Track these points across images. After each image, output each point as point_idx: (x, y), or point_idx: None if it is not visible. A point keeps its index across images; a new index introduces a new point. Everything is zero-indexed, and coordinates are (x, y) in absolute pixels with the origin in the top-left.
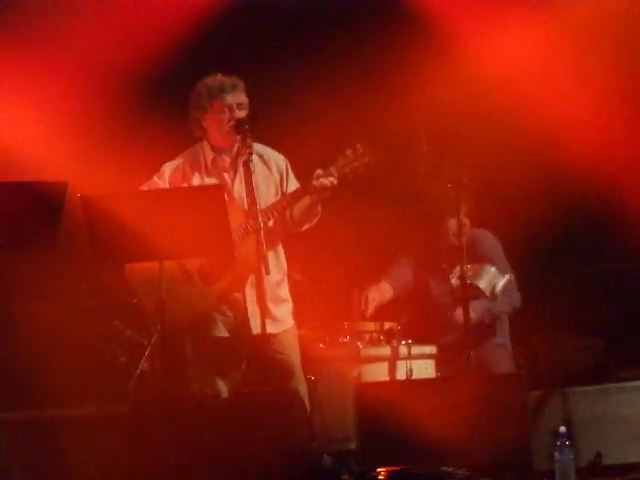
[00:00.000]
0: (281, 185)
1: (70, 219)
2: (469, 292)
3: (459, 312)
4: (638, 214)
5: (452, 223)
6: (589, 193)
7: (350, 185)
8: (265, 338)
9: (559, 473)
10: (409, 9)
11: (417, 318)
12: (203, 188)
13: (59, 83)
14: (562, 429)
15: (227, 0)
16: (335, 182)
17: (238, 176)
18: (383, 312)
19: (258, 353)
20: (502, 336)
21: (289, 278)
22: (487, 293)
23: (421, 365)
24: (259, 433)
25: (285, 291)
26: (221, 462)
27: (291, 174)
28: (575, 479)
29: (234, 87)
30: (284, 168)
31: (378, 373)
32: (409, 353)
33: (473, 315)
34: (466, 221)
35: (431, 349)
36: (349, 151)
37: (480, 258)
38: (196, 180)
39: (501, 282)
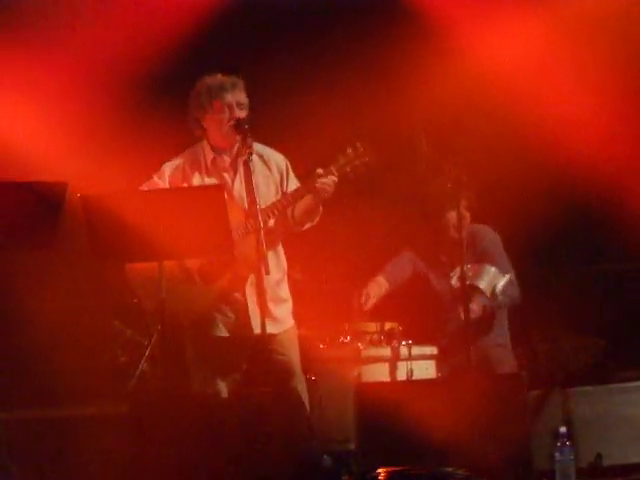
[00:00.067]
0: (281, 185)
1: (70, 219)
2: (469, 292)
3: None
4: (638, 214)
5: (452, 216)
6: (589, 192)
7: (350, 184)
8: (265, 338)
9: (559, 473)
10: (408, 7)
11: (418, 314)
12: (203, 188)
13: (60, 82)
14: (562, 429)
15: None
16: (335, 181)
17: (238, 176)
18: (383, 309)
19: (258, 353)
20: (501, 334)
21: (289, 277)
22: (487, 294)
23: (422, 366)
24: (259, 433)
25: (285, 291)
26: (221, 462)
27: (291, 173)
28: (575, 479)
29: (234, 86)
30: (284, 168)
31: (378, 374)
32: (410, 354)
33: (475, 307)
34: (466, 214)
35: (432, 350)
36: (349, 150)
37: (480, 253)
38: (196, 180)
39: (501, 282)
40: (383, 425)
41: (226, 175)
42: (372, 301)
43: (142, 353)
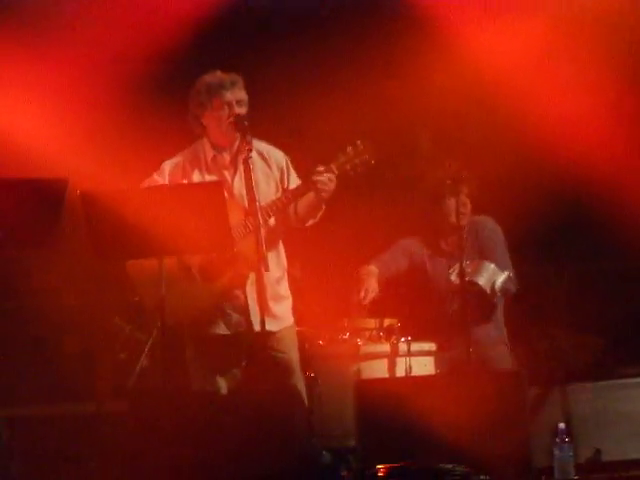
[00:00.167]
0: (281, 182)
1: (70, 216)
2: (468, 289)
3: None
4: (637, 212)
5: (452, 202)
6: (589, 190)
7: (350, 181)
8: (265, 336)
9: (558, 469)
10: (408, 4)
11: (417, 311)
12: (202, 185)
13: (61, 81)
14: (561, 426)
15: None
16: (334, 179)
17: (238, 173)
18: (382, 306)
19: (258, 351)
20: (498, 329)
21: (288, 275)
22: (487, 290)
23: (420, 362)
24: (258, 430)
25: (285, 288)
26: (221, 459)
27: (292, 170)
28: (574, 475)
29: (233, 84)
30: (284, 164)
31: (377, 370)
32: (408, 350)
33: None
34: (467, 201)
35: (430, 346)
36: (350, 148)
37: (481, 244)
38: (196, 177)
39: (500, 279)
40: (382, 421)
41: (226, 173)
42: (371, 295)
43: (142, 350)
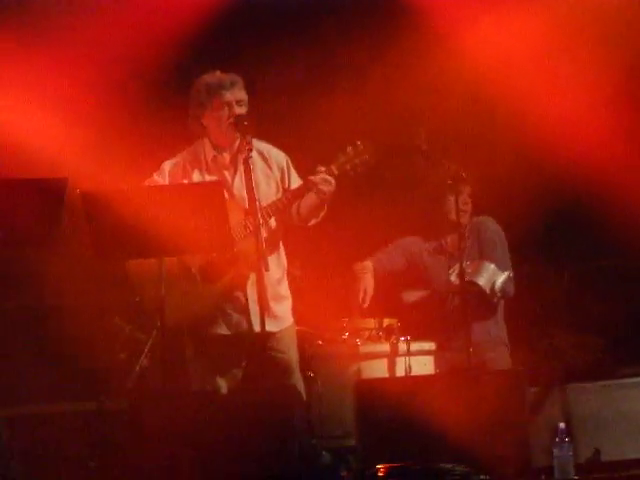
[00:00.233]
0: (282, 182)
1: (70, 215)
2: (468, 289)
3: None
4: (636, 211)
5: (453, 200)
6: (588, 189)
7: (350, 181)
8: (265, 336)
9: (558, 469)
10: (406, 4)
11: (416, 310)
12: (202, 184)
13: (62, 81)
14: (561, 425)
15: None
16: (333, 180)
17: (238, 174)
18: (381, 306)
19: (258, 351)
20: (499, 328)
21: (288, 274)
22: (487, 290)
23: (420, 361)
24: (258, 430)
25: (285, 288)
26: (220, 459)
27: (292, 170)
28: (574, 475)
29: (233, 84)
30: (285, 164)
31: (377, 370)
32: (408, 349)
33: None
34: (468, 200)
35: (430, 345)
36: (350, 148)
37: (482, 244)
38: (196, 177)
39: (500, 279)
40: (382, 421)
41: (226, 173)
42: (370, 295)
43: (142, 350)
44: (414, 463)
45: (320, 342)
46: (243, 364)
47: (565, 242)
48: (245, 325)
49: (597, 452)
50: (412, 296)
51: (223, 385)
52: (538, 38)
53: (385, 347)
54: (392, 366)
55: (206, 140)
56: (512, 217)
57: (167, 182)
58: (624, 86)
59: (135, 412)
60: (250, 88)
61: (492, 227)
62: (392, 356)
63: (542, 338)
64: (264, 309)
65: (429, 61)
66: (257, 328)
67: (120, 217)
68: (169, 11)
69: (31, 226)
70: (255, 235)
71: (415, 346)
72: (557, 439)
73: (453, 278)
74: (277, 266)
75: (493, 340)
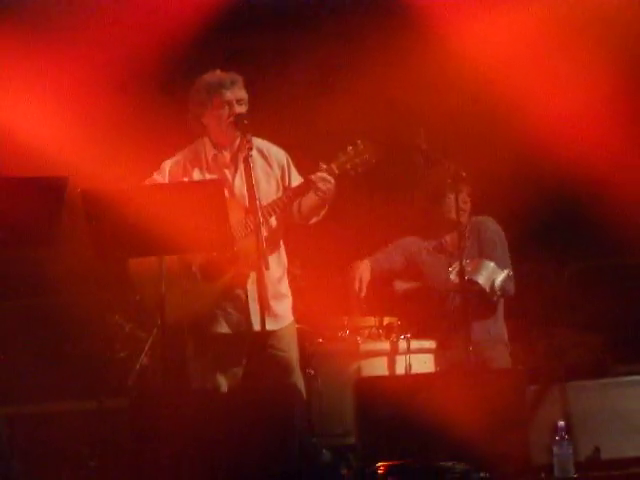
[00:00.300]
0: (282, 180)
1: (71, 214)
2: (468, 287)
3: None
4: (635, 210)
5: (452, 199)
6: (588, 189)
7: (351, 180)
8: (265, 335)
9: (558, 467)
10: (405, 5)
11: (417, 308)
12: (202, 182)
13: (62, 79)
14: (561, 423)
15: None
16: (332, 180)
17: (239, 172)
18: (381, 304)
19: (258, 350)
20: (499, 327)
21: (288, 272)
22: (487, 289)
23: (420, 359)
24: (258, 428)
25: (285, 287)
26: (220, 456)
27: (293, 168)
28: (574, 473)
29: (233, 83)
30: (285, 162)
31: (377, 368)
32: (408, 348)
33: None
34: (467, 199)
35: (430, 343)
36: (350, 148)
37: (482, 244)
38: (196, 176)
39: (500, 277)
40: (382, 419)
41: (227, 172)
42: (365, 283)
43: (142, 348)
44: (414, 461)
45: (320, 340)
46: (243, 362)
47: (565, 241)
48: (245, 324)
49: (597, 450)
50: (403, 286)
51: (223, 383)
52: (538, 37)
53: (385, 345)
54: (392, 364)
55: (206, 139)
56: (512, 216)
57: (167, 181)
58: (623, 85)
59: (135, 411)
60: (250, 87)
61: (492, 227)
62: (392, 354)
63: (542, 337)
64: (264, 308)
65: (429, 60)
66: (257, 327)
67: (120, 216)
68: (169, 11)
69: (31, 225)
70: (255, 234)
71: (415, 344)
72: (557, 437)
73: (453, 276)
74: (278, 265)
75: (493, 339)
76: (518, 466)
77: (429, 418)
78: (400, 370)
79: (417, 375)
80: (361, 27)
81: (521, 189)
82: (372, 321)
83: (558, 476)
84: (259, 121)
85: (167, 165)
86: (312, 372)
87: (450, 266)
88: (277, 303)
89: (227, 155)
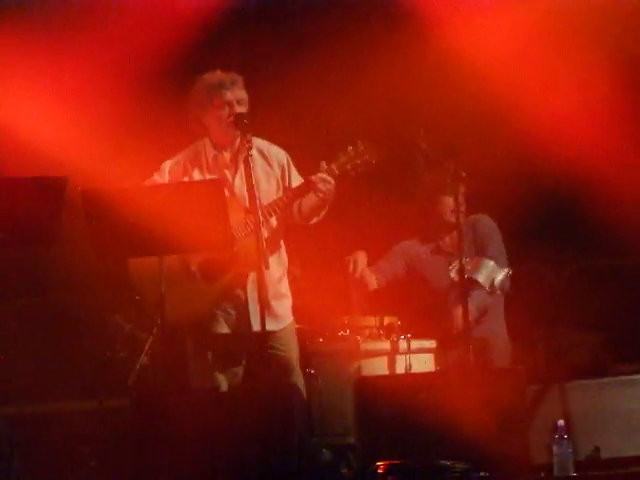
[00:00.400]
0: (282, 180)
1: (72, 214)
2: (468, 286)
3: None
4: (634, 209)
5: (448, 200)
6: (587, 188)
7: (351, 180)
8: (265, 335)
9: (557, 466)
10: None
11: (417, 308)
12: (202, 182)
13: (64, 79)
14: (560, 423)
15: None
16: (332, 181)
17: (239, 172)
18: (380, 305)
19: (258, 350)
20: (499, 326)
21: (288, 272)
22: (486, 287)
23: (420, 359)
24: (258, 427)
25: (286, 287)
26: (221, 456)
27: (293, 168)
28: (573, 472)
29: (233, 83)
30: (285, 162)
31: (378, 367)
32: (408, 347)
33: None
34: (463, 201)
35: (430, 343)
36: (350, 148)
37: (478, 241)
38: (197, 177)
39: (500, 276)
40: (382, 418)
41: (227, 172)
42: (360, 265)
43: (142, 348)
44: (414, 461)
45: (321, 339)
46: (243, 363)
47: (564, 241)
48: (245, 324)
49: (596, 449)
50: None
51: (223, 383)
52: (535, 36)
53: (386, 345)
54: (392, 364)
55: (207, 139)
56: (512, 216)
57: (167, 181)
58: (620, 84)
59: (136, 411)
60: (250, 87)
61: (488, 224)
62: (392, 354)
63: (542, 337)
64: (264, 308)
65: (428, 60)
66: (257, 327)
67: (120, 216)
68: (170, 11)
69: (31, 225)
70: (256, 234)
71: (415, 344)
72: (556, 436)
73: (453, 274)
74: (278, 265)
75: (493, 337)
76: (518, 465)
77: (429, 418)
78: (400, 370)
79: (417, 375)
80: (361, 27)
81: (521, 189)
82: (372, 321)
83: (558, 475)
84: (259, 121)
85: (167, 165)
86: (312, 372)
87: (450, 264)
88: (277, 303)
89: (227, 155)
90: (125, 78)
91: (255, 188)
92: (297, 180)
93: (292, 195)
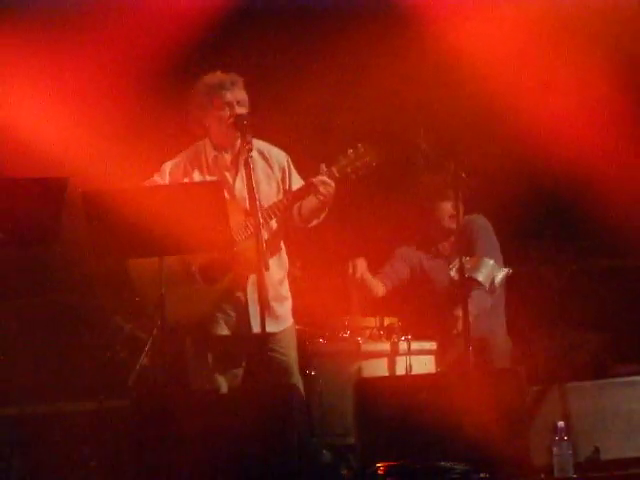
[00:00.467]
0: (283, 182)
1: (72, 214)
2: (468, 285)
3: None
4: (634, 209)
5: (446, 206)
6: (587, 189)
7: (351, 183)
8: (265, 337)
9: (557, 468)
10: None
11: (417, 310)
12: (202, 184)
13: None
14: (560, 424)
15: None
16: (332, 184)
17: (239, 175)
18: (381, 306)
19: (258, 352)
20: (499, 325)
21: (288, 274)
22: (486, 286)
23: (421, 361)
24: (259, 429)
25: (286, 289)
26: (221, 458)
27: (293, 170)
28: (573, 474)
29: (233, 84)
30: (285, 164)
31: (378, 368)
32: (409, 349)
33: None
34: (459, 206)
35: (431, 345)
36: (351, 151)
37: (472, 241)
38: (197, 178)
39: (500, 275)
40: (382, 419)
41: (227, 174)
42: (360, 270)
43: (142, 348)
44: (414, 461)
45: (321, 340)
46: (243, 364)
47: (564, 241)
48: (245, 326)
49: (596, 451)
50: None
51: (223, 384)
52: (534, 36)
53: (386, 346)
54: (393, 365)
55: (207, 140)
56: (512, 216)
57: (167, 182)
58: (618, 84)
59: (135, 410)
60: (250, 88)
61: (480, 223)
62: (393, 355)
63: (542, 337)
64: (264, 309)
65: (427, 59)
66: (257, 329)
67: (121, 216)
68: (172, 12)
69: (31, 225)
70: (256, 236)
71: (416, 345)
72: (556, 438)
73: (453, 273)
74: (279, 267)
75: (494, 337)
76: (518, 466)
77: (429, 419)
78: (401, 371)
79: (417, 375)
80: (362, 29)
81: (521, 189)
82: (373, 322)
83: (558, 476)
84: (259, 122)
85: (168, 167)
86: (313, 372)
87: (450, 264)
88: (278, 305)
89: (228, 157)
90: (126, 78)
91: (255, 190)
92: (297, 182)
93: (292, 198)
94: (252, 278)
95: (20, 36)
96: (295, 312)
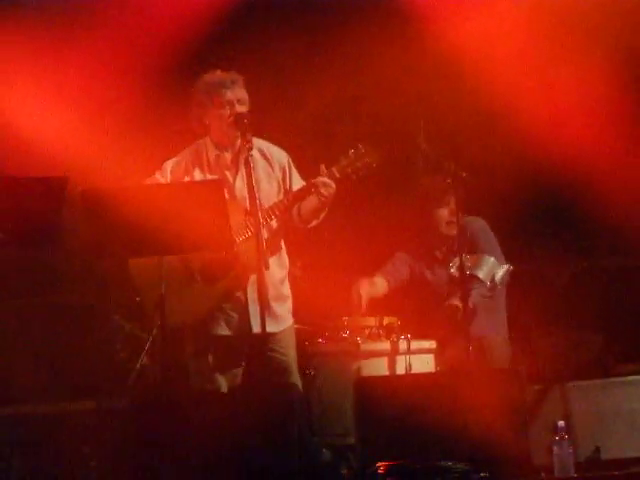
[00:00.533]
0: (283, 181)
1: (72, 214)
2: (469, 282)
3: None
4: (635, 210)
5: (442, 212)
6: (587, 189)
7: (352, 183)
8: (265, 337)
9: (558, 467)
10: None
11: (417, 309)
12: (202, 182)
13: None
14: (561, 423)
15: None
16: (333, 184)
17: (240, 174)
18: (381, 305)
19: (258, 352)
20: (500, 324)
21: (289, 274)
22: (487, 283)
23: (420, 360)
24: (259, 428)
25: (287, 288)
26: (221, 457)
27: (294, 170)
28: (574, 473)
29: (233, 83)
30: (286, 163)
31: (378, 368)
32: (408, 348)
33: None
34: (457, 211)
35: (430, 344)
36: (351, 151)
37: (470, 242)
38: (198, 176)
39: (500, 272)
40: (382, 419)
41: (228, 173)
42: (365, 299)
43: (142, 348)
44: (414, 461)
45: (321, 340)
46: (243, 364)
47: (565, 241)
48: (245, 326)
49: (597, 450)
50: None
51: (223, 384)
52: (534, 33)
53: (386, 345)
54: (392, 364)
55: (208, 139)
56: (513, 216)
57: (168, 181)
58: (618, 82)
59: (135, 411)
60: (250, 86)
61: (478, 225)
62: (392, 354)
63: (542, 336)
64: (264, 309)
65: (426, 59)
66: (257, 329)
67: (120, 215)
68: (174, 9)
69: (31, 225)
70: (256, 236)
71: (415, 344)
72: (557, 437)
73: (453, 271)
74: (279, 266)
75: (494, 336)
76: (518, 466)
77: (429, 418)
78: (400, 370)
79: (417, 375)
80: (363, 27)
81: (521, 189)
82: (372, 321)
83: (558, 476)
84: (260, 121)
85: (168, 165)
86: (312, 372)
87: (450, 262)
88: (278, 305)
89: (228, 156)
90: (129, 75)
91: (256, 189)
92: (298, 182)
93: (293, 198)
94: (252, 278)
95: (22, 33)
96: (295, 312)
